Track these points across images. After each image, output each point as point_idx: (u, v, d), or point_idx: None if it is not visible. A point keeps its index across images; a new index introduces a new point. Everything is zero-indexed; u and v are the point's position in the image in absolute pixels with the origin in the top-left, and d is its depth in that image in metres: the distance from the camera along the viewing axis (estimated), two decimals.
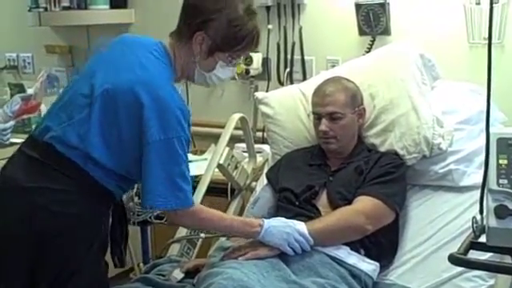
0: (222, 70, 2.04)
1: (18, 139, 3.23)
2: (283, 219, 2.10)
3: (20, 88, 3.44)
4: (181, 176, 1.91)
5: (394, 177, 2.26)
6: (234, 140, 2.86)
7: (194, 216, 2.00)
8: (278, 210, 2.35)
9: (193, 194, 1.96)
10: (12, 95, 3.44)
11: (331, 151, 2.38)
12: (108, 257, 2.15)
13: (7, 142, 2.46)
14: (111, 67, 1.96)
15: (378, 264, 2.17)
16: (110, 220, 2.12)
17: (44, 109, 3.48)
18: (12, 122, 2.42)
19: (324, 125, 2.32)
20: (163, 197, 1.90)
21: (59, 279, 1.92)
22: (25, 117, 2.54)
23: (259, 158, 2.95)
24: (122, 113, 1.89)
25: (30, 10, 3.69)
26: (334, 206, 2.22)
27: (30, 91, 3.40)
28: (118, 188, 2.01)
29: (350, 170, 2.31)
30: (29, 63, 4.16)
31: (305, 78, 3.19)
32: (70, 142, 1.90)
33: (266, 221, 2.07)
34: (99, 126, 1.90)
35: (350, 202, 2.20)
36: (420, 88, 2.44)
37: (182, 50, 2.01)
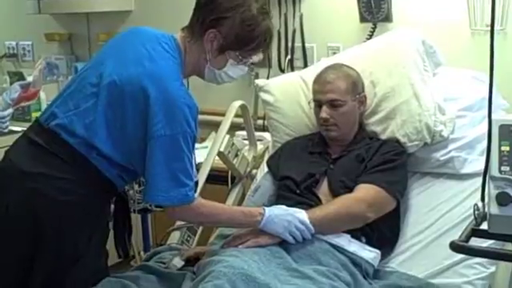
0: (232, 69, 2.02)
1: (18, 127, 3.24)
2: (284, 207, 2.09)
3: (19, 76, 3.43)
4: (184, 172, 1.90)
5: (395, 164, 2.25)
6: (234, 128, 2.86)
7: (194, 211, 1.98)
8: (278, 198, 2.34)
9: (195, 189, 1.95)
10: (11, 83, 3.43)
11: (332, 138, 2.37)
12: (109, 245, 2.15)
13: (6, 130, 2.46)
14: (120, 58, 1.95)
15: (378, 252, 2.17)
16: (112, 210, 2.12)
17: (43, 96, 3.48)
18: (10, 110, 2.42)
19: (325, 112, 2.31)
20: (165, 192, 1.89)
21: (57, 268, 1.92)
22: (23, 104, 2.54)
23: (260, 146, 2.94)
24: (129, 105, 1.88)
25: None
26: (335, 194, 2.22)
27: (29, 79, 3.40)
28: (120, 179, 2.01)
29: (351, 157, 2.30)
30: (28, 51, 4.15)
31: (306, 66, 3.18)
32: (76, 131, 1.90)
33: (266, 209, 2.06)
34: (105, 117, 1.90)
35: (351, 190, 2.20)
36: (422, 75, 2.43)
37: (194, 46, 1.99)
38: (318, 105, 2.34)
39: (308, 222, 2.06)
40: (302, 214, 2.07)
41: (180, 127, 1.86)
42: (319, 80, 2.37)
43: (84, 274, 1.96)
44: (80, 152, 1.90)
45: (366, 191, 2.17)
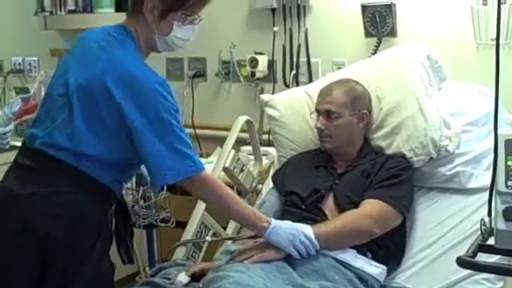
0: (180, 31, 2.03)
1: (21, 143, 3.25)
2: (290, 222, 2.09)
3: (26, 92, 3.43)
4: (181, 142, 1.91)
5: (401, 179, 2.25)
6: (239, 143, 2.86)
7: (212, 185, 1.99)
8: (284, 214, 2.33)
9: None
10: None
11: (326, 150, 2.38)
12: (116, 258, 2.15)
13: (7, 147, 2.45)
14: (81, 62, 1.97)
15: (385, 267, 2.16)
16: (113, 218, 2.12)
17: None
18: (11, 126, 2.42)
19: (320, 122, 2.34)
20: (171, 169, 1.89)
21: (64, 281, 1.92)
22: (25, 118, 2.54)
23: (265, 161, 2.94)
24: (101, 102, 1.89)
25: (35, 14, 3.70)
26: (340, 209, 2.21)
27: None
28: (117, 182, 2.01)
29: (357, 173, 2.29)
30: (35, 67, 4.17)
31: (311, 80, 3.18)
32: (60, 144, 1.91)
33: (273, 220, 2.06)
34: (83, 122, 1.90)
35: (356, 205, 2.19)
36: (427, 90, 2.43)
37: (139, 24, 2.01)
38: (318, 115, 2.37)
39: (313, 237, 2.05)
40: (307, 229, 2.06)
41: (160, 104, 1.88)
42: (322, 91, 2.41)
43: (89, 284, 1.95)
44: (69, 163, 1.91)
45: (371, 206, 2.16)
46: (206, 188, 2.00)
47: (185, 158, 1.90)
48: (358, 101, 2.37)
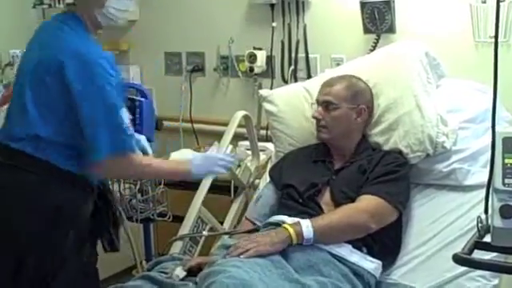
0: (115, 1, 2.09)
1: None
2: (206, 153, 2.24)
3: None
4: (118, 122, 1.98)
5: (397, 176, 2.25)
6: (237, 138, 2.86)
7: (133, 162, 2.05)
8: (280, 207, 2.34)
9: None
10: None
11: (322, 140, 2.40)
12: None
13: None
14: (34, 50, 2.07)
15: (380, 262, 2.16)
16: (92, 206, 2.15)
17: None
18: None
19: (317, 112, 2.37)
20: (105, 144, 1.96)
21: (41, 273, 1.98)
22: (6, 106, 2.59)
23: (262, 156, 2.94)
24: (50, 83, 1.97)
25: (34, 7, 3.70)
26: (337, 204, 2.22)
27: None
28: (79, 167, 2.04)
29: (354, 168, 2.30)
30: None
31: (309, 76, 3.18)
32: (17, 133, 1.99)
33: (191, 157, 2.19)
34: (34, 106, 1.98)
35: (353, 201, 2.20)
36: (425, 87, 2.43)
37: (80, 6, 2.09)
38: (317, 106, 2.39)
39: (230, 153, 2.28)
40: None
41: (102, 78, 1.95)
42: (324, 83, 2.43)
43: (69, 274, 1.99)
44: (30, 153, 1.97)
45: (368, 202, 2.17)
46: (125, 166, 2.06)
47: (122, 134, 1.98)
48: (359, 96, 2.38)
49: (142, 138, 2.33)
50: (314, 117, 2.39)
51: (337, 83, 2.39)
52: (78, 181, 2.04)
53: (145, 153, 2.28)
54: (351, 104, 2.35)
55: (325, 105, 2.36)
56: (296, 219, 2.13)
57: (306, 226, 2.06)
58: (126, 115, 2.02)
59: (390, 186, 2.21)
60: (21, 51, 4.09)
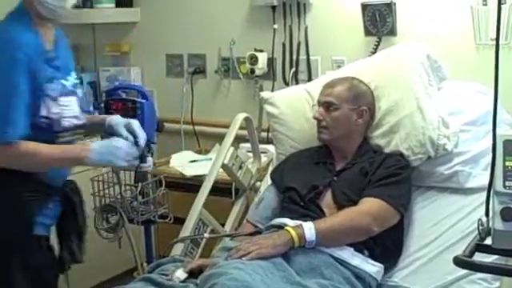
0: None
1: None
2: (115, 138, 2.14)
3: None
4: (11, 104, 1.94)
5: (400, 178, 2.25)
6: (238, 140, 2.86)
7: (14, 151, 1.98)
8: (282, 210, 2.34)
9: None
10: None
11: (323, 141, 2.40)
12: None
13: None
14: None
15: (381, 265, 2.16)
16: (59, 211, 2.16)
17: None
18: None
19: (318, 112, 2.37)
20: None
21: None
22: None
23: (264, 158, 2.94)
24: None
25: None
26: (338, 206, 2.22)
27: None
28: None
29: (355, 170, 2.30)
30: None
31: (310, 78, 3.18)
32: None
33: (91, 143, 2.12)
34: None
35: (354, 203, 2.20)
36: (426, 89, 2.43)
37: None
38: (319, 107, 2.40)
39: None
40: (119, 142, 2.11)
41: (5, 60, 1.93)
42: (325, 84, 2.44)
43: (24, 275, 2.02)
44: None
45: (370, 204, 2.17)
46: (15, 157, 2.00)
47: (5, 123, 1.94)
48: (360, 97, 2.39)
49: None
50: (314, 117, 2.39)
51: (338, 84, 2.39)
52: (27, 181, 2.03)
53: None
54: (352, 105, 2.35)
55: (326, 105, 2.36)
56: (298, 222, 2.13)
57: (309, 228, 2.06)
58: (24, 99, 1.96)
59: (392, 189, 2.21)
60: None
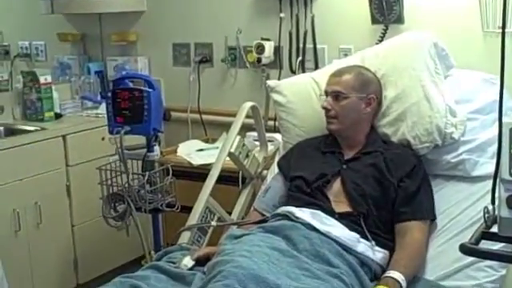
0: None
1: (31, 127, 3.26)
2: None
3: (32, 76, 3.45)
4: None
5: (426, 186, 2.28)
6: (245, 128, 2.86)
7: None
8: (288, 199, 2.35)
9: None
10: (25, 83, 3.46)
11: (332, 131, 2.39)
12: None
13: None
14: None
15: (387, 252, 2.17)
16: None
17: (55, 95, 3.50)
18: None
19: (326, 102, 2.36)
20: None
21: None
22: None
23: (270, 147, 2.95)
24: None
25: None
26: (347, 194, 2.22)
27: (41, 79, 3.42)
28: None
29: (366, 162, 2.29)
30: (41, 51, 4.17)
31: (317, 67, 3.18)
32: None
33: None
34: None
35: (365, 195, 2.20)
36: (433, 77, 2.43)
37: None
38: (326, 96, 2.39)
39: None
40: None
41: None
42: (332, 74, 2.43)
43: None
44: None
45: (420, 230, 2.19)
46: None
47: None
48: (368, 85, 2.38)
49: None
50: (323, 107, 2.38)
51: (345, 73, 2.39)
52: None
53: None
54: (360, 93, 2.35)
55: (334, 95, 2.35)
56: (307, 210, 2.15)
57: (402, 280, 2.02)
58: None
59: (427, 201, 2.25)
60: (29, 42, 4.16)
